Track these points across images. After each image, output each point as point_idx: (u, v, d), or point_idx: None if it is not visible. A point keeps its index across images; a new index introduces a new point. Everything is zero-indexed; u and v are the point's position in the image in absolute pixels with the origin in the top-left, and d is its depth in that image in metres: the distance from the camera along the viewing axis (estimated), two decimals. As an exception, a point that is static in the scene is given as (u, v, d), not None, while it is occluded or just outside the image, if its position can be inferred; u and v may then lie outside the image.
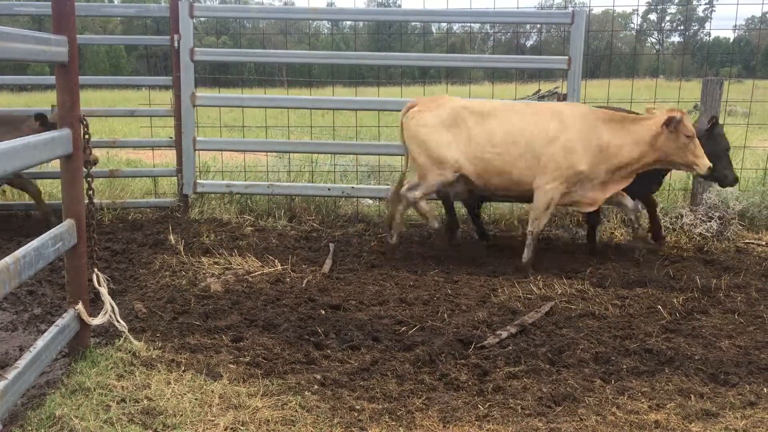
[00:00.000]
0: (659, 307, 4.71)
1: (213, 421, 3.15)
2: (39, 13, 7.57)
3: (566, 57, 6.82)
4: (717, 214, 6.71)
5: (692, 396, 3.46)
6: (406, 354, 3.96)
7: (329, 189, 7.30)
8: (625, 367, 3.79)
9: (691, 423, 3.22)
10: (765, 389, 3.55)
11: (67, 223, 3.56)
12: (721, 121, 6.36)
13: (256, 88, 9.86)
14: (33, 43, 3.14)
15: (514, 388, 3.54)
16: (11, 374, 2.94)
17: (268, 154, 9.52)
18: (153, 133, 8.71)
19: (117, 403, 3.27)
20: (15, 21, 22.48)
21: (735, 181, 5.76)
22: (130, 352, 3.82)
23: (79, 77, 3.66)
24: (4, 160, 2.82)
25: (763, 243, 6.52)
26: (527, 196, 5.72)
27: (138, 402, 3.28)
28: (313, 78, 10.55)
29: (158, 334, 4.17)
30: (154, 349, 3.90)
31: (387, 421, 3.21)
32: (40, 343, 3.29)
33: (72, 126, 3.56)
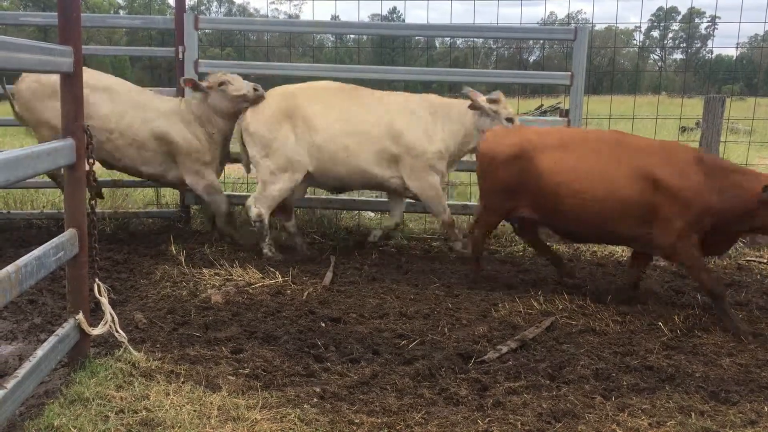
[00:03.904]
0: (660, 323, 4.70)
1: (211, 433, 3.14)
2: (45, 24, 7.62)
3: (569, 73, 6.84)
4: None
5: (693, 414, 3.45)
6: (406, 368, 3.95)
7: (330, 201, 7.31)
8: (625, 383, 3.78)
9: (692, 441, 3.21)
10: (766, 408, 3.53)
11: (69, 233, 3.57)
12: (722, 139, 6.36)
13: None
14: (38, 54, 3.16)
15: (513, 403, 3.53)
16: (10, 383, 2.93)
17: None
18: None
19: (115, 413, 3.25)
20: (21, 31, 22.60)
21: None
22: (129, 362, 3.81)
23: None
24: (6, 169, 2.83)
25: (765, 260, 6.51)
26: None
27: (137, 413, 3.27)
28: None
29: (158, 345, 4.16)
30: (153, 359, 3.89)
31: (386, 436, 3.20)
32: (40, 352, 3.29)
33: (75, 136, 3.58)
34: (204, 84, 6.17)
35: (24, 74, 6.14)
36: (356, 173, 6.16)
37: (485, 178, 5.39)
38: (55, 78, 5.80)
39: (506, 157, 5.16)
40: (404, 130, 6.06)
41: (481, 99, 5.98)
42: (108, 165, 6.55)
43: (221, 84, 6.10)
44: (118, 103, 6.22)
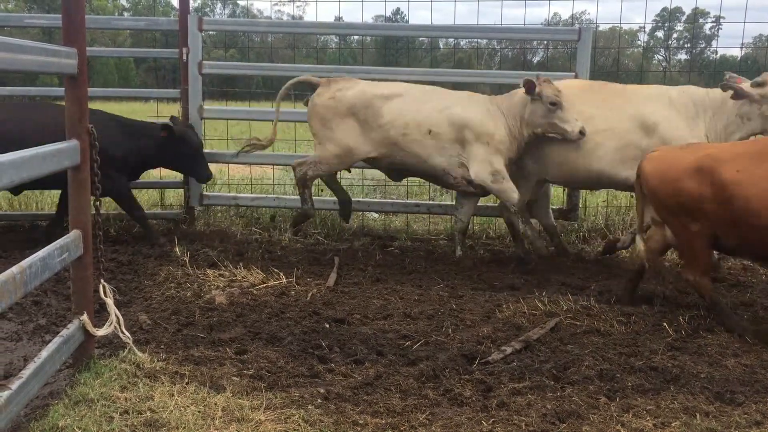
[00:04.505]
0: (665, 324, 4.68)
1: (216, 434, 3.15)
2: (49, 26, 7.67)
3: (573, 73, 6.84)
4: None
5: (698, 414, 3.44)
6: (410, 369, 3.95)
7: (334, 202, 7.32)
8: (630, 384, 3.77)
9: (697, 442, 3.20)
10: (771, 409, 3.52)
11: (74, 234, 3.57)
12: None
13: (264, 102, 9.92)
14: (43, 55, 3.17)
15: (518, 404, 3.52)
16: (15, 384, 2.94)
17: (275, 167, 9.55)
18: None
19: (120, 414, 3.26)
20: (25, 33, 22.68)
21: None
22: (134, 363, 3.82)
23: (88, 89, 3.69)
24: (11, 170, 2.84)
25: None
26: None
27: (141, 414, 3.27)
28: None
29: (162, 346, 4.17)
30: (158, 360, 3.90)
31: (390, 436, 3.20)
32: (45, 353, 3.29)
33: (80, 137, 3.59)
34: (536, 88, 5.74)
35: (320, 89, 6.23)
36: (593, 177, 5.97)
37: (657, 203, 4.80)
38: (351, 96, 6.14)
39: (680, 174, 4.57)
40: (659, 122, 5.73)
41: (745, 85, 5.55)
42: (389, 167, 6.44)
43: (554, 104, 5.69)
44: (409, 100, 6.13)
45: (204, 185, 7.42)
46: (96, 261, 3.85)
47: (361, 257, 6.42)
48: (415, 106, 6.07)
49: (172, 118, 6.89)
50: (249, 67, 8.09)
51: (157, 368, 3.79)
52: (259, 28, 8.52)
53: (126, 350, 3.93)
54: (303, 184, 6.42)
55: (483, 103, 6.09)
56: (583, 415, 3.41)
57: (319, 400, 3.51)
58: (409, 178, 8.47)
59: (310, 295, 5.22)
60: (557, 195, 8.14)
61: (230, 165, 8.90)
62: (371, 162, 6.40)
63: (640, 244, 5.02)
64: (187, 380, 3.66)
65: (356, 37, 9.74)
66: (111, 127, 6.44)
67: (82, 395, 3.42)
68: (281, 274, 5.61)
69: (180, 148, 6.64)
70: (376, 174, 9.34)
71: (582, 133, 5.68)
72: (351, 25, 8.26)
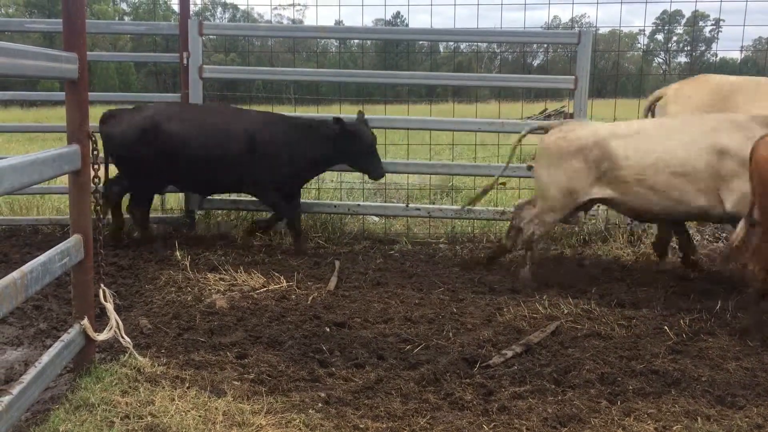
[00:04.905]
0: (666, 327, 4.68)
1: (216, 438, 3.14)
2: (50, 30, 7.68)
3: (573, 76, 6.84)
4: (724, 234, 6.69)
5: (699, 418, 3.43)
6: (411, 372, 3.95)
7: (335, 206, 7.32)
8: (631, 388, 3.76)
9: (698, 445, 3.20)
10: (773, 412, 3.51)
11: (74, 239, 3.58)
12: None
13: (264, 106, 9.95)
14: (44, 60, 3.18)
15: (519, 408, 3.52)
16: (16, 389, 2.94)
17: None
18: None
19: (121, 419, 3.26)
20: (26, 37, 22.67)
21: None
22: (134, 368, 3.82)
23: (89, 93, 3.70)
24: (12, 175, 2.84)
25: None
26: None
27: (142, 418, 3.27)
28: (320, 96, 10.60)
29: (163, 351, 4.16)
30: (158, 365, 3.90)
31: (391, 441, 3.20)
32: (45, 358, 3.29)
33: (81, 142, 3.59)
34: None
35: (552, 130, 5.74)
36: None
37: (762, 189, 4.31)
38: (582, 135, 5.48)
39: None
40: None
41: None
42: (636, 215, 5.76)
43: None
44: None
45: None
46: (96, 265, 3.85)
47: (362, 261, 6.42)
48: (657, 143, 5.33)
49: (359, 113, 6.81)
50: (249, 71, 8.09)
51: (158, 373, 3.79)
52: (260, 32, 8.53)
53: (127, 355, 3.93)
54: (530, 246, 5.81)
55: (750, 127, 5.10)
56: (585, 419, 3.41)
57: (320, 405, 3.51)
58: (409, 181, 8.52)
59: (310, 299, 5.22)
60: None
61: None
62: (608, 203, 5.75)
63: (741, 231, 4.57)
64: (187, 384, 3.66)
65: (356, 40, 9.76)
66: (283, 126, 6.54)
67: (82, 400, 3.42)
68: (282, 277, 5.61)
69: (354, 145, 6.54)
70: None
71: None
72: (351, 28, 8.29)
